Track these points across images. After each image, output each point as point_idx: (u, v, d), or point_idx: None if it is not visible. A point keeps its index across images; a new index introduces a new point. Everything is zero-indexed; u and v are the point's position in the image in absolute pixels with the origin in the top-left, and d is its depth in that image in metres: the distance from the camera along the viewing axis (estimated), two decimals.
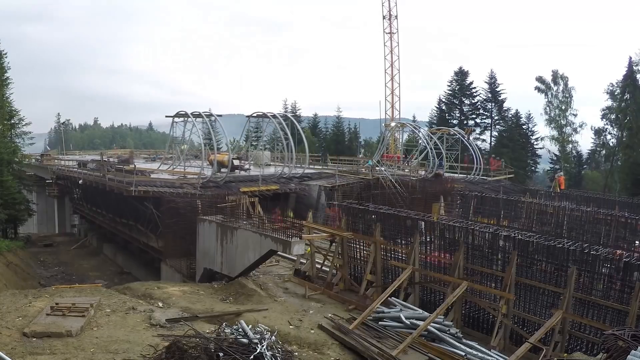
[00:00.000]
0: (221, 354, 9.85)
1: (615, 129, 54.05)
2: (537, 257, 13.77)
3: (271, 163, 37.14)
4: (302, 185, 31.64)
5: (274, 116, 34.67)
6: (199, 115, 33.01)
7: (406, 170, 39.47)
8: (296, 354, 11.76)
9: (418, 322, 13.13)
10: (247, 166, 36.09)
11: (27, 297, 15.37)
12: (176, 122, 35.31)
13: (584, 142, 60.73)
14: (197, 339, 10.77)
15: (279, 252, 18.91)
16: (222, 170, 32.10)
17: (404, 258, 16.49)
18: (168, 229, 25.26)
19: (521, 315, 13.58)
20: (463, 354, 11.74)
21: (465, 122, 63.74)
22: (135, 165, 34.19)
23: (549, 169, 64.24)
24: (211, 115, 32.95)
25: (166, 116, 36.60)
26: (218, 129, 39.50)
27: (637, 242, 19.84)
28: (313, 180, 33.16)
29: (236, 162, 34.81)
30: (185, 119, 33.78)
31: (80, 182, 36.17)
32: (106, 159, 37.80)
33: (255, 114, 35.78)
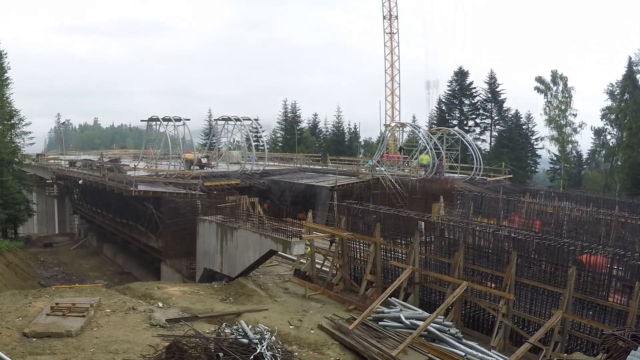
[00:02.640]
0: (221, 354, 9.86)
1: (615, 129, 54.03)
2: (537, 257, 13.78)
3: (242, 161, 40.12)
4: (261, 180, 34.48)
5: (238, 119, 38.26)
6: (169, 120, 36.14)
7: (406, 170, 39.47)
8: (296, 354, 11.76)
9: (418, 322, 13.13)
10: (213, 163, 39.60)
11: (27, 297, 15.37)
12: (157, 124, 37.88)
13: (584, 142, 60.75)
14: (197, 339, 10.78)
15: (279, 252, 18.92)
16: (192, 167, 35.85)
17: (403, 258, 16.50)
18: (168, 229, 25.27)
19: (521, 316, 13.57)
20: (463, 354, 11.74)
21: (465, 122, 63.74)
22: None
23: (548, 169, 64.22)
24: (179, 119, 36.25)
25: (141, 120, 40.77)
26: (222, 130, 42.36)
27: None
28: (272, 176, 36.01)
29: (204, 161, 38.79)
30: (157, 122, 37.03)
31: (80, 182, 36.27)
32: (93, 159, 41.76)
33: (220, 118, 39.25)
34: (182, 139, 37.44)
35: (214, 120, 41.07)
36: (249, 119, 38.77)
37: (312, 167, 43.46)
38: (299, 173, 38.57)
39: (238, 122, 38.56)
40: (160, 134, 37.27)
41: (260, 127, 79.61)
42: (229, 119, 38.89)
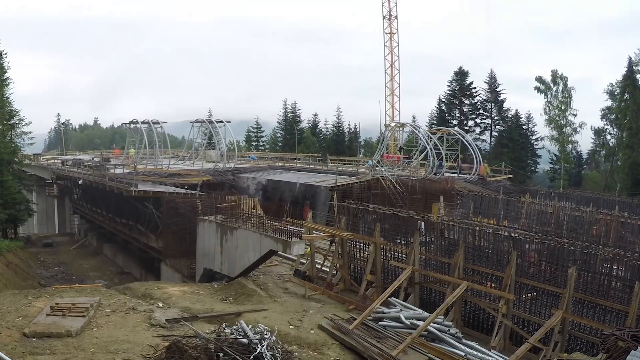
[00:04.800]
0: (221, 354, 9.86)
1: (615, 129, 54.02)
2: (536, 257, 13.78)
3: (216, 159, 43.12)
4: (233, 177, 37.55)
5: (210, 122, 43.27)
6: (147, 123, 40.63)
7: (406, 170, 39.48)
8: (296, 354, 11.75)
9: (418, 322, 13.13)
10: (189, 162, 44.60)
11: (27, 297, 15.37)
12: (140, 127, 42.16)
13: (584, 142, 60.70)
14: (197, 339, 10.78)
15: (279, 252, 18.91)
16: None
17: (403, 258, 16.49)
18: (168, 229, 25.27)
19: (521, 316, 13.57)
20: (463, 354, 11.73)
21: (465, 122, 63.69)
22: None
23: (548, 169, 64.22)
24: (157, 122, 40.95)
25: (123, 123, 47.22)
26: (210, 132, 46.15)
27: None
28: (243, 173, 39.11)
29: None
30: (135, 125, 41.57)
31: (80, 182, 36.38)
32: (85, 158, 46.37)
33: (197, 120, 44.07)
34: (162, 139, 41.62)
35: (190, 122, 45.45)
36: (222, 121, 42.64)
37: (311, 166, 44.87)
38: (268, 170, 41.17)
39: (211, 124, 42.94)
40: (149, 135, 40.68)
41: (261, 128, 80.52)
42: (203, 121, 43.48)
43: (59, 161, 47.15)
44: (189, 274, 23.15)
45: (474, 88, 63.73)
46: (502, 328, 13.14)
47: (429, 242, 16.42)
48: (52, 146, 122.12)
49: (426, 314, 13.89)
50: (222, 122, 42.61)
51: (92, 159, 47.01)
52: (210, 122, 42.96)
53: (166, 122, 42.00)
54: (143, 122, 40.42)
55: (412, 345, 12.22)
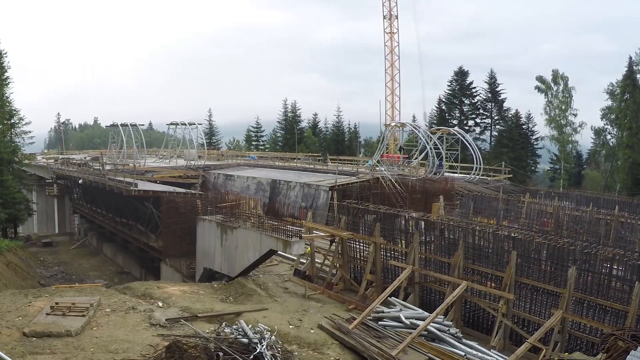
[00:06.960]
0: (221, 354, 9.86)
1: (615, 129, 54.02)
2: (537, 257, 13.77)
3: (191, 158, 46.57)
4: (204, 173, 40.81)
5: (184, 124, 47.80)
6: (126, 125, 44.97)
7: (406, 170, 39.48)
8: (296, 353, 11.75)
9: (418, 322, 13.13)
10: (167, 160, 49.00)
11: (27, 296, 15.36)
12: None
13: (584, 142, 60.74)
14: (197, 339, 10.79)
15: (279, 252, 18.90)
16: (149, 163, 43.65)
17: (403, 258, 16.49)
18: (168, 229, 25.27)
19: (521, 315, 13.57)
20: (463, 354, 11.73)
21: (465, 122, 63.70)
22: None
23: (549, 168, 64.25)
24: (136, 125, 45.68)
25: (105, 126, 55.05)
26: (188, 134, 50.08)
27: None
28: (212, 169, 42.53)
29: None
30: (117, 127, 45.87)
31: (80, 181, 36.41)
32: (77, 157, 50.15)
33: (172, 123, 48.68)
34: (140, 140, 45.72)
35: (167, 124, 50.14)
36: (194, 124, 47.66)
37: (311, 166, 44.93)
38: (235, 167, 44.64)
39: (184, 126, 47.46)
40: (131, 136, 44.86)
41: (261, 128, 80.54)
42: (177, 124, 47.86)
43: (54, 160, 48.99)
44: (189, 274, 23.16)
45: (474, 88, 63.80)
46: (502, 328, 13.14)
47: (429, 241, 16.41)
48: (52, 145, 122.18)
49: (426, 313, 13.89)
50: (194, 124, 47.96)
51: (84, 157, 50.67)
52: (184, 124, 47.76)
53: (143, 125, 47.22)
54: (122, 125, 45.03)
55: (412, 345, 12.22)
